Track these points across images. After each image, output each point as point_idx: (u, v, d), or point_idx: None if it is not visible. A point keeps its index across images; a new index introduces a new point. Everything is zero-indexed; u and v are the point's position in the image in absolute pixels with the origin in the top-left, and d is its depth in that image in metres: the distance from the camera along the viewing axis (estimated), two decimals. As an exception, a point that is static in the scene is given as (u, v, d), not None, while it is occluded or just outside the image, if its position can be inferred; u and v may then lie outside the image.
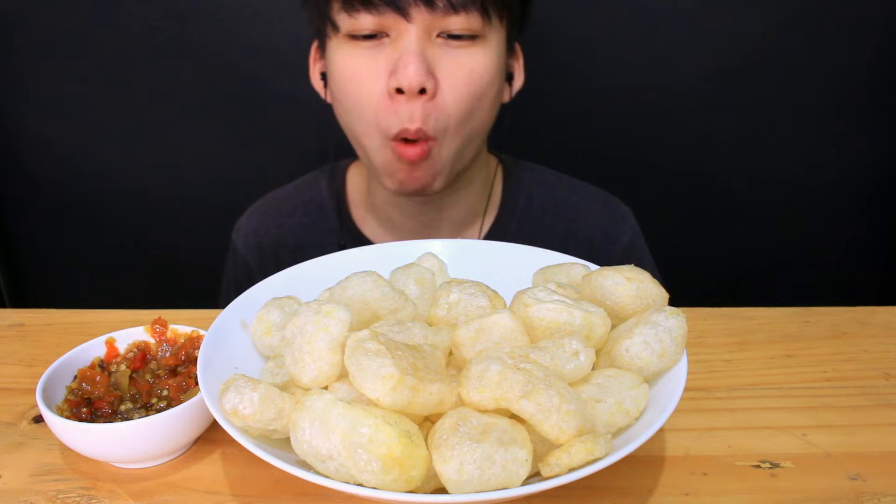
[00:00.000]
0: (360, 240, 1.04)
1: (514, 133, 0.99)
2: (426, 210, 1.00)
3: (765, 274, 1.67)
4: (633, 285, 0.56)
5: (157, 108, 1.46)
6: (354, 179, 1.07)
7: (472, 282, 0.58)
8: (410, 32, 0.82)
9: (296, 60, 1.40)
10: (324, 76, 0.96)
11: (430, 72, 0.83)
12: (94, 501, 0.52)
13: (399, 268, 0.65)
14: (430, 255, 0.69)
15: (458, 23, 0.82)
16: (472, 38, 0.84)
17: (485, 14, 0.83)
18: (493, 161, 1.06)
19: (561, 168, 1.12)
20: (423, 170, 0.88)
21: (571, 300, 0.54)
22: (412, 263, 0.66)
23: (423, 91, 0.82)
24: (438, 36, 0.83)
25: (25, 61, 1.43)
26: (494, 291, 0.58)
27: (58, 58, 1.43)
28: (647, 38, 1.41)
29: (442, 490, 0.43)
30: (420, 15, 0.81)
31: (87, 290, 1.64)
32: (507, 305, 0.57)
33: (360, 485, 0.42)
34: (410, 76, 0.81)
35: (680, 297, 1.01)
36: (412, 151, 0.86)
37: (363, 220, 1.06)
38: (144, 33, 1.40)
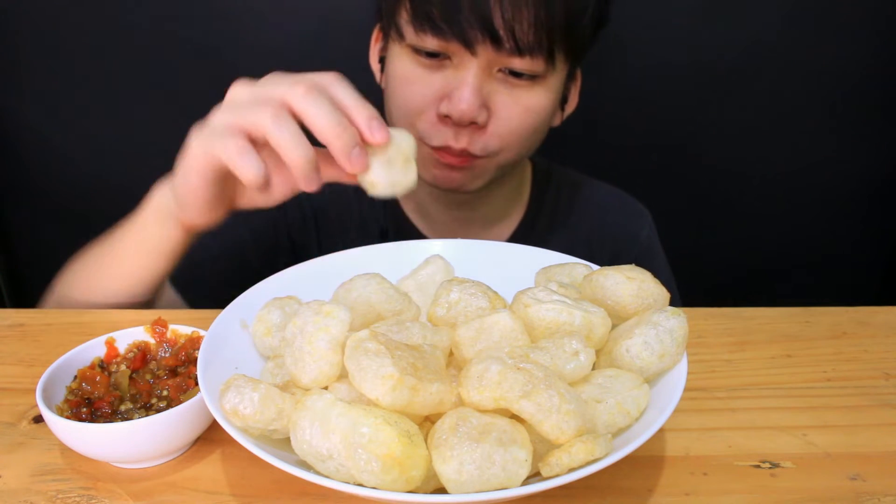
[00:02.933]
0: (401, 222, 1.04)
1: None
2: (462, 206, 1.01)
3: (765, 274, 1.67)
4: (634, 285, 0.56)
5: (156, 109, 1.46)
6: None
7: (472, 281, 0.58)
8: (472, 65, 0.80)
9: (296, 61, 1.41)
10: (381, 60, 0.95)
11: (485, 104, 0.82)
12: (94, 501, 0.52)
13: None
14: (438, 256, 0.69)
15: (521, 63, 0.80)
16: (532, 77, 0.82)
17: (549, 58, 0.81)
18: (526, 162, 1.08)
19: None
20: (461, 173, 0.88)
21: (572, 300, 0.54)
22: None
23: (473, 122, 0.82)
24: (499, 71, 0.82)
25: (25, 61, 1.43)
26: (494, 291, 0.58)
27: (57, 57, 1.43)
28: (646, 40, 1.41)
29: (442, 490, 0.43)
30: (485, 52, 0.79)
31: (87, 290, 1.64)
32: (508, 305, 0.57)
33: (360, 485, 0.42)
34: (463, 109, 0.80)
35: (680, 297, 1.02)
36: (454, 159, 0.85)
37: (403, 202, 1.06)
38: (144, 33, 1.40)
